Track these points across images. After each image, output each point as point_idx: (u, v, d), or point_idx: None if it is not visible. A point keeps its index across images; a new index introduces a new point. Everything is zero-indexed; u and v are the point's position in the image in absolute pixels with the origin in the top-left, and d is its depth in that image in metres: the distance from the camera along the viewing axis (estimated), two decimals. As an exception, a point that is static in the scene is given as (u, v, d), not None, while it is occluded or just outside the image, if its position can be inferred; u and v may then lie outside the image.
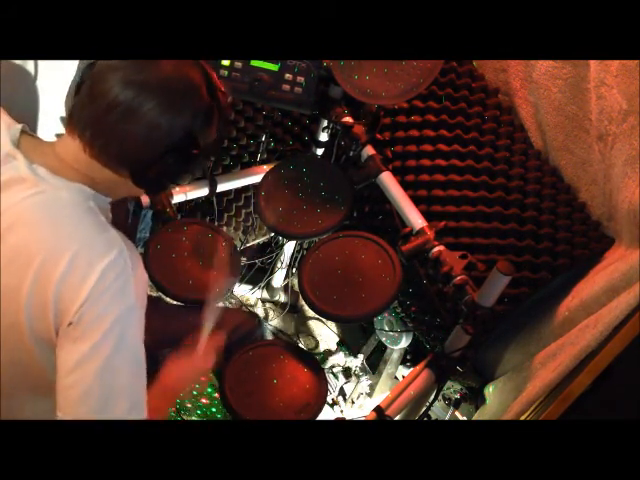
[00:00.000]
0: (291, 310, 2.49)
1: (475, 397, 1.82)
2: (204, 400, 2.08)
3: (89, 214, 1.06)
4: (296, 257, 2.34)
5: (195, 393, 2.08)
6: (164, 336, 1.46)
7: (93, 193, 1.07)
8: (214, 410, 2.07)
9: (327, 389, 1.57)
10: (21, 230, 1.03)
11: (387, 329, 2.01)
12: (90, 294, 1.02)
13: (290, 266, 2.36)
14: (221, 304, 2.33)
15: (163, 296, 1.66)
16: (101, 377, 1.03)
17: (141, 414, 1.08)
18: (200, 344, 1.35)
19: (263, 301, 2.50)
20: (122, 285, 1.04)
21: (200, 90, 1.05)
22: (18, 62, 1.54)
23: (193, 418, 2.04)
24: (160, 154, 1.04)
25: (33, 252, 1.02)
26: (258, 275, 2.39)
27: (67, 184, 1.05)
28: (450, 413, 1.87)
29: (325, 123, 1.87)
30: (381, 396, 2.05)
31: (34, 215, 1.04)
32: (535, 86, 1.63)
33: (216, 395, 2.07)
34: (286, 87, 1.69)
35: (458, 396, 1.86)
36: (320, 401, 1.53)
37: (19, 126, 1.09)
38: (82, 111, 1.03)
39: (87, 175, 1.06)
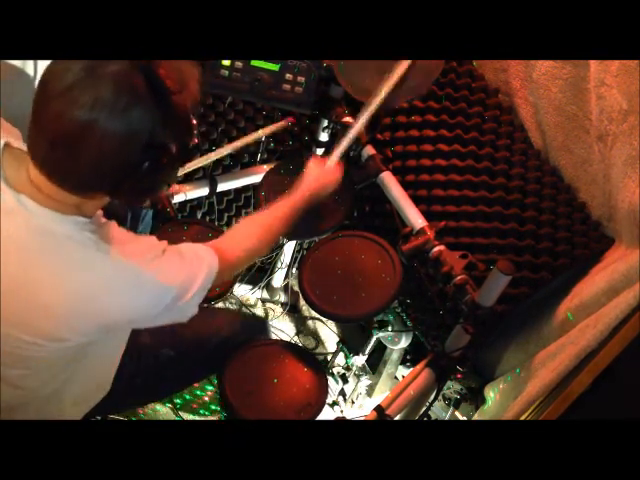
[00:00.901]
0: (291, 310, 2.49)
1: (475, 397, 1.82)
2: (206, 398, 2.09)
3: (90, 249, 1.03)
4: (296, 257, 2.34)
5: (199, 393, 2.09)
6: (164, 336, 1.46)
7: (87, 221, 1.05)
8: (214, 407, 2.07)
9: (327, 389, 1.57)
10: (35, 285, 1.03)
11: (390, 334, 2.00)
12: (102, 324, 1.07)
13: (290, 266, 2.36)
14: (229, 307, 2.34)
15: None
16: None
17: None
18: (334, 157, 1.56)
19: (263, 301, 2.50)
20: (135, 306, 1.08)
21: (144, 95, 0.97)
22: (18, 64, 1.54)
23: (195, 417, 2.04)
24: (126, 169, 1.00)
25: (50, 307, 1.04)
26: (258, 275, 2.39)
27: (59, 218, 1.02)
28: (450, 413, 1.87)
29: (325, 123, 1.87)
30: (381, 396, 2.05)
31: (41, 267, 1.02)
32: (535, 86, 1.63)
33: (209, 392, 2.08)
34: (286, 87, 1.70)
35: (458, 396, 1.86)
36: (320, 401, 1.53)
37: (1, 142, 1.05)
38: (35, 147, 0.99)
39: (69, 204, 1.03)
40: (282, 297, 2.51)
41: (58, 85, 0.95)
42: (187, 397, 2.07)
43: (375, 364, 2.12)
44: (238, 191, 2.18)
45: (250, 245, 1.34)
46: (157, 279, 1.08)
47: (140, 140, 0.98)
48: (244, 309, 2.43)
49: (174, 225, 1.77)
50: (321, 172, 1.53)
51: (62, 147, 0.96)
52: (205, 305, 1.76)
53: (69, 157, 0.97)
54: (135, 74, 0.97)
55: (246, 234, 1.35)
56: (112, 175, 1.00)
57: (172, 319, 1.17)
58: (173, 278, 1.10)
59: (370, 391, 2.10)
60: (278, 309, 2.48)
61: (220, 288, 1.71)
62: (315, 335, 2.44)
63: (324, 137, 1.92)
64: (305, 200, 1.47)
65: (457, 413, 1.87)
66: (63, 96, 0.94)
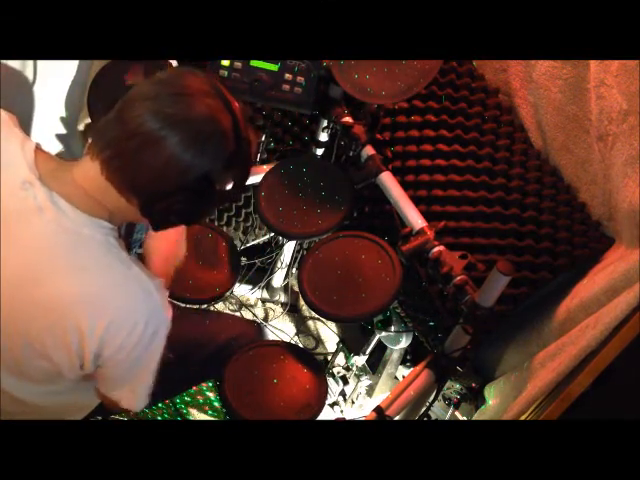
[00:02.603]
0: (291, 310, 2.49)
1: (475, 397, 1.82)
2: (211, 394, 2.09)
3: (111, 252, 1.06)
4: (296, 257, 2.34)
5: (199, 393, 2.09)
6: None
7: (111, 227, 1.07)
8: (217, 404, 2.07)
9: (327, 389, 1.57)
10: (50, 280, 1.03)
11: (390, 334, 2.00)
12: (113, 335, 1.06)
13: (290, 266, 2.36)
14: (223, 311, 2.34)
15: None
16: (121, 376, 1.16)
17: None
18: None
19: (263, 301, 2.50)
20: (146, 318, 1.08)
21: (227, 135, 1.03)
22: (17, 66, 1.53)
23: (195, 417, 2.04)
24: (172, 190, 1.03)
25: (65, 299, 1.04)
26: (258, 275, 2.39)
27: (87, 219, 1.04)
28: (450, 413, 1.87)
29: (325, 123, 1.87)
30: (381, 396, 2.05)
31: (61, 260, 1.04)
32: (535, 86, 1.63)
33: (210, 392, 2.08)
34: (286, 87, 1.69)
35: (458, 396, 1.86)
36: (320, 401, 1.53)
37: (32, 144, 1.08)
38: (106, 132, 1.02)
39: (104, 206, 1.06)
40: (282, 297, 2.51)
41: (154, 89, 1.00)
42: (187, 397, 2.07)
43: (375, 364, 2.12)
44: (238, 191, 2.18)
45: None
46: (161, 299, 1.10)
47: (201, 170, 1.02)
48: (244, 309, 2.43)
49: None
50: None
51: (137, 141, 0.99)
52: (204, 307, 1.77)
53: (137, 152, 0.99)
54: (226, 112, 1.03)
55: None
56: (159, 188, 1.03)
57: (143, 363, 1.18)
58: (168, 311, 1.13)
59: (370, 391, 2.10)
60: (278, 309, 2.48)
61: (220, 288, 1.71)
62: (315, 335, 2.44)
63: (324, 137, 1.92)
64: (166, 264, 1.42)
65: (457, 413, 1.87)
66: (154, 100, 0.99)
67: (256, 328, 1.80)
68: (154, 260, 1.41)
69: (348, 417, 2.01)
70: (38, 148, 1.08)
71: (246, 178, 1.15)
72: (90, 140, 1.04)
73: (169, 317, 1.13)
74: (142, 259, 1.42)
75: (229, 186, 1.09)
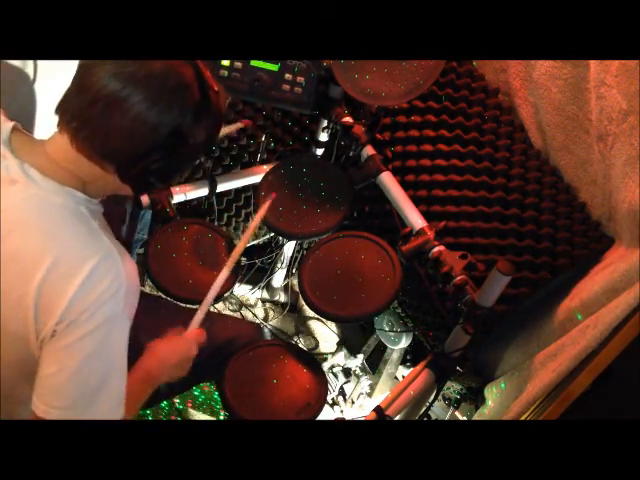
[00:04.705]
0: (291, 310, 2.49)
1: (475, 397, 1.82)
2: (211, 394, 2.09)
3: (80, 219, 1.05)
4: (296, 257, 2.34)
5: (200, 393, 2.09)
6: (163, 335, 1.46)
7: (85, 198, 1.07)
8: (217, 404, 2.07)
9: (327, 389, 1.57)
10: (15, 237, 1.03)
11: (387, 329, 2.01)
12: (74, 298, 1.00)
13: (290, 266, 2.36)
14: (223, 312, 2.34)
15: (163, 295, 1.66)
16: (76, 377, 1.03)
17: (117, 416, 1.08)
18: (187, 332, 1.35)
19: (263, 301, 2.50)
20: (108, 290, 1.02)
21: (190, 87, 1.03)
22: (17, 65, 1.53)
23: (195, 417, 2.04)
24: (146, 150, 1.02)
25: (27, 258, 1.02)
26: (258, 275, 2.39)
27: (58, 188, 1.04)
28: (450, 413, 1.87)
29: (325, 123, 1.88)
30: (381, 396, 2.05)
31: (27, 221, 1.03)
32: (535, 86, 1.63)
33: (209, 392, 2.08)
34: (286, 87, 1.69)
35: (458, 396, 1.86)
36: (320, 401, 1.53)
37: (10, 124, 1.08)
38: (69, 103, 1.03)
39: (77, 176, 1.06)
40: (282, 297, 2.51)
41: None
42: (187, 397, 2.07)
43: (375, 364, 2.12)
44: (238, 191, 2.18)
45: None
46: (129, 276, 1.06)
47: (171, 126, 1.02)
48: (244, 309, 2.43)
49: (174, 225, 1.77)
50: (165, 350, 1.31)
51: (101, 106, 0.99)
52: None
53: (103, 117, 0.99)
54: (186, 64, 1.04)
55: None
56: (132, 150, 1.02)
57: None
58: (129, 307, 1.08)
59: (370, 391, 2.10)
60: (278, 309, 2.48)
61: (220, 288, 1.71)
62: (315, 335, 2.44)
63: (324, 137, 1.92)
64: (146, 380, 1.26)
65: (457, 413, 1.87)
66: (113, 62, 0.99)
67: (256, 328, 1.80)
68: (150, 356, 1.28)
69: (348, 417, 2.01)
70: (16, 128, 1.09)
71: (219, 128, 1.14)
72: (57, 116, 1.04)
73: (132, 305, 1.08)
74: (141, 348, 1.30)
75: (202, 138, 1.08)
